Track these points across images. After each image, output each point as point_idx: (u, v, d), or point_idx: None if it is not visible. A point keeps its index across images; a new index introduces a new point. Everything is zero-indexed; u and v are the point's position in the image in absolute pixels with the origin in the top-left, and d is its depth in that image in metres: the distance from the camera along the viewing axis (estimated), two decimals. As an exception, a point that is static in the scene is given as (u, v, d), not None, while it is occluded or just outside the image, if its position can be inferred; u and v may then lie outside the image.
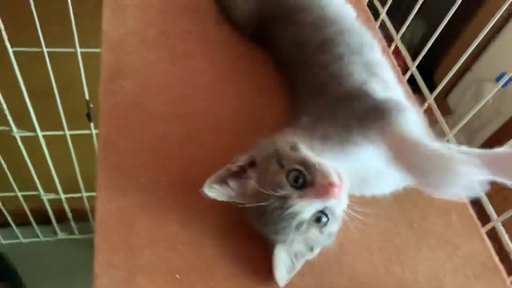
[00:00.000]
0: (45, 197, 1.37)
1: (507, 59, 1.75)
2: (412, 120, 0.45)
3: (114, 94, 0.55)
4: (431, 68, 2.09)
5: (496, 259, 0.51)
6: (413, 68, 0.66)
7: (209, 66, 0.61)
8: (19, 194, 1.37)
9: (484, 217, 0.55)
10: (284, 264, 0.44)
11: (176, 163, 0.51)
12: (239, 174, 0.44)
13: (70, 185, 1.36)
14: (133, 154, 0.51)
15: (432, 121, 0.52)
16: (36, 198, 1.44)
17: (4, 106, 1.05)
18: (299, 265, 0.45)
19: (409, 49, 0.72)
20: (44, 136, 1.15)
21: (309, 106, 0.52)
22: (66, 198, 1.37)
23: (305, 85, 0.55)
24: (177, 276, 0.44)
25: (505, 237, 0.53)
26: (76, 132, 1.16)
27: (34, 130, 1.12)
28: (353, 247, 0.49)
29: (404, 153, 0.42)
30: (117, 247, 0.44)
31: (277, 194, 0.41)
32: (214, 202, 0.44)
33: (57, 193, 1.36)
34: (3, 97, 1.03)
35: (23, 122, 1.14)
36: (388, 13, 0.73)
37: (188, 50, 0.62)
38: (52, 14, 0.95)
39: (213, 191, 0.43)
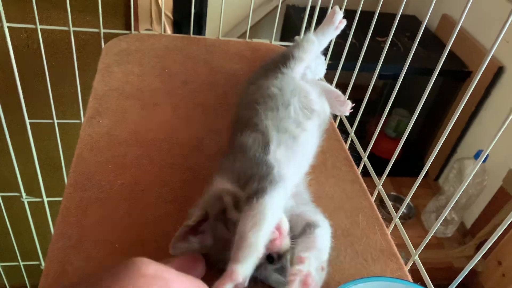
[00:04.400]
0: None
1: (483, 138, 1.90)
2: (267, 209, 0.47)
3: (92, 126, 0.72)
4: (422, 154, 2.24)
5: (395, 248, 0.60)
6: (351, 134, 0.78)
7: (170, 110, 0.78)
8: (21, 264, 1.47)
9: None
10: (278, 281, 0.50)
11: (131, 172, 0.65)
12: (196, 228, 0.50)
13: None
14: (98, 164, 0.65)
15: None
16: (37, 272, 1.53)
17: (18, 174, 1.23)
18: None
19: (397, 137, 0.79)
20: (48, 202, 1.30)
21: (230, 146, 0.62)
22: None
23: (234, 129, 0.63)
24: (116, 245, 0.54)
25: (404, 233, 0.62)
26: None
27: (41, 197, 1.28)
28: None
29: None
30: (72, 224, 0.56)
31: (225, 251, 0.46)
32: (158, 199, 0.58)
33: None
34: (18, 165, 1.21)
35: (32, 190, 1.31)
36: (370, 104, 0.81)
37: (157, 101, 0.80)
38: (65, 95, 1.18)
39: (178, 249, 0.49)
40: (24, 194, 1.28)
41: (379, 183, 0.68)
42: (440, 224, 1.28)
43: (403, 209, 0.63)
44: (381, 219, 0.64)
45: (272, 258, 0.49)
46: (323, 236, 0.52)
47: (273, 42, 1.05)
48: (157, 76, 0.86)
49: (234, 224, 0.47)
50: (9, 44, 0.95)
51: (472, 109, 1.98)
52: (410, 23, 2.23)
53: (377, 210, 0.65)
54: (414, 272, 0.58)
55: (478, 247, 1.88)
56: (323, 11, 0.88)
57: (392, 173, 0.75)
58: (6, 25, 0.93)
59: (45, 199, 1.29)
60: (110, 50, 0.91)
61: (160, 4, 1.04)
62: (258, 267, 0.46)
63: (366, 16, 0.83)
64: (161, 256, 0.54)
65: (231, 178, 0.53)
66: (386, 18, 0.87)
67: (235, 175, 0.53)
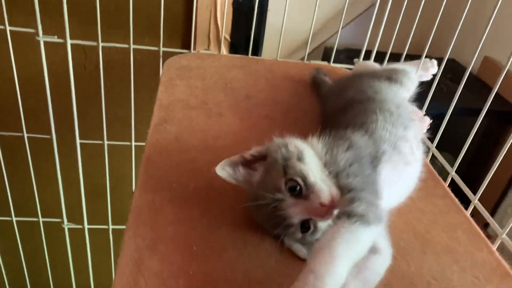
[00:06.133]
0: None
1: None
2: (363, 237, 0.42)
3: (160, 132, 0.68)
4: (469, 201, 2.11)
5: (507, 266, 0.52)
6: (452, 172, 0.71)
7: (238, 121, 0.74)
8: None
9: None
10: (299, 247, 0.48)
11: (202, 177, 0.60)
12: (250, 163, 0.51)
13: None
14: (168, 168, 0.61)
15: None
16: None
17: (62, 198, 1.20)
18: None
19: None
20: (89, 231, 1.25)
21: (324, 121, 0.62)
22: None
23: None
24: (194, 248, 0.49)
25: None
26: (120, 227, 1.25)
27: (82, 223, 1.24)
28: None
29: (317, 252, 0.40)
30: (145, 224, 0.51)
31: (274, 196, 0.46)
32: (234, 204, 0.53)
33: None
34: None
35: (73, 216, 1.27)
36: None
37: (222, 112, 0.76)
38: (116, 118, 1.17)
39: (224, 172, 0.50)
40: (65, 220, 1.24)
41: (475, 198, 0.61)
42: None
43: (510, 225, 0.55)
44: (483, 235, 0.56)
45: (307, 228, 0.46)
46: (378, 265, 0.45)
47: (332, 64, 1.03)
48: (220, 90, 0.83)
49: (290, 177, 0.46)
50: (70, 62, 0.95)
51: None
52: (450, 65, 2.21)
53: (476, 225, 0.58)
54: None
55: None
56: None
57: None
58: (69, 42, 0.94)
59: (86, 226, 1.25)
60: (172, 66, 0.90)
61: (219, 25, 1.05)
62: (285, 229, 0.46)
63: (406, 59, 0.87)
64: (241, 262, 0.48)
65: (320, 154, 0.50)
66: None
67: (328, 158, 0.49)
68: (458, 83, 0.65)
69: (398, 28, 0.91)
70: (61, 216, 1.24)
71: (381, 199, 0.47)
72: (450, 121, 0.73)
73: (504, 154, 0.51)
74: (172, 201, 0.55)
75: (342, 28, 1.02)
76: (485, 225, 0.61)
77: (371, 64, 0.92)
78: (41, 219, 1.25)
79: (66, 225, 1.24)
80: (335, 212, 0.44)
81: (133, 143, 1.12)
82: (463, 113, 1.94)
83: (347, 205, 0.43)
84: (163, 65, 0.91)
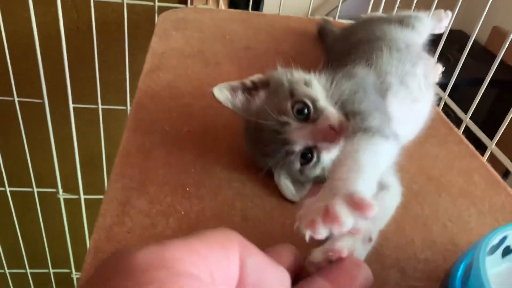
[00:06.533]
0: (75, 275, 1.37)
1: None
2: (384, 147, 0.39)
3: (152, 79, 0.64)
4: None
5: (529, 211, 0.47)
6: (445, 96, 0.69)
7: (236, 70, 0.70)
8: (51, 271, 1.37)
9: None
10: (288, 186, 0.45)
11: (198, 121, 0.56)
12: (251, 91, 0.47)
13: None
14: (160, 112, 0.56)
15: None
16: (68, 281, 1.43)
17: (56, 167, 1.16)
18: (307, 186, 0.44)
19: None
20: (85, 201, 1.22)
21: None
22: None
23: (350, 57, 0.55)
24: (187, 189, 0.44)
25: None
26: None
27: (78, 194, 1.20)
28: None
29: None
30: (133, 166, 0.47)
31: (279, 118, 0.42)
32: (230, 148, 0.49)
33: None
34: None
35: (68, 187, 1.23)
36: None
37: (219, 61, 0.72)
38: (111, 82, 1.12)
39: (221, 94, 0.46)
40: (61, 190, 1.20)
41: (492, 143, 0.56)
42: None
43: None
44: (501, 179, 0.52)
45: (308, 159, 0.42)
46: (387, 201, 0.42)
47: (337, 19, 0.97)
48: (217, 41, 0.78)
49: (287, 110, 0.42)
50: (61, 19, 0.90)
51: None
52: (458, 37, 2.14)
53: (494, 170, 0.53)
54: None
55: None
56: None
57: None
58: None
59: (82, 196, 1.21)
60: (167, 18, 0.85)
61: (217, -20, 0.99)
62: (283, 157, 0.42)
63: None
64: (239, 200, 0.44)
65: (324, 86, 0.45)
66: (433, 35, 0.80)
67: (332, 90, 0.44)
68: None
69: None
70: (56, 186, 1.20)
71: (392, 123, 0.43)
72: (460, 92, 0.69)
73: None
74: (163, 144, 0.51)
75: (343, 2, 0.97)
76: (504, 175, 0.57)
77: (379, 14, 0.87)
78: (35, 189, 1.21)
79: (62, 195, 1.20)
80: (342, 140, 0.40)
81: (128, 107, 1.07)
82: (473, 83, 1.88)
83: (360, 123, 0.40)
84: (159, 17, 0.86)
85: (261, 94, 0.47)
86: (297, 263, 0.27)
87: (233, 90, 0.47)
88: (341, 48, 0.65)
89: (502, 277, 0.38)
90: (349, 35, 0.68)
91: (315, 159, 0.42)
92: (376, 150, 0.37)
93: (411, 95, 0.51)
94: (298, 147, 0.42)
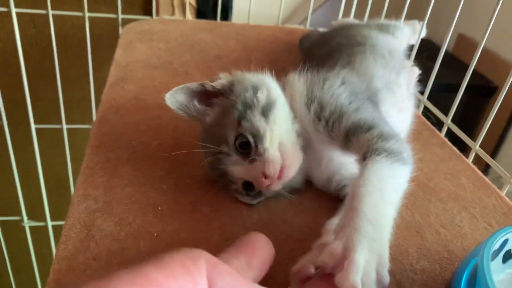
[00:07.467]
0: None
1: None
2: (407, 177, 0.37)
3: (116, 91, 0.59)
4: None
5: (521, 211, 0.45)
6: (424, 99, 0.67)
7: (206, 79, 0.66)
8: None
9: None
10: (244, 198, 0.42)
11: (168, 134, 0.52)
12: (210, 96, 0.43)
13: None
14: (126, 126, 0.52)
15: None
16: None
17: (20, 194, 1.08)
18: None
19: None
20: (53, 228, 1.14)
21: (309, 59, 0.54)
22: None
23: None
24: (159, 208, 0.40)
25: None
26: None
27: (44, 221, 1.12)
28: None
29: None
30: (97, 185, 0.42)
31: (221, 147, 0.39)
32: (202, 161, 0.44)
33: None
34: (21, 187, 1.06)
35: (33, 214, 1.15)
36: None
37: (188, 71, 0.68)
38: (74, 100, 1.06)
39: (175, 102, 0.42)
40: (25, 218, 1.12)
41: (476, 145, 0.54)
42: None
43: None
44: (489, 181, 0.50)
45: (250, 190, 0.40)
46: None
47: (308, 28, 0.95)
48: (186, 52, 0.75)
49: (250, 125, 0.39)
50: (17, 35, 0.85)
51: (504, 125, 1.86)
52: (426, 45, 2.19)
53: (480, 172, 0.51)
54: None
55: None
56: None
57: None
58: (14, 10, 0.83)
59: (50, 223, 1.13)
60: (132, 30, 0.81)
61: (183, -10, 0.96)
62: (228, 183, 0.41)
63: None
64: (217, 217, 0.40)
65: (301, 90, 0.43)
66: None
67: (315, 92, 0.42)
68: (434, 61, 0.65)
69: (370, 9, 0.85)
70: (20, 214, 1.12)
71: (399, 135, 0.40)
72: (431, 97, 0.69)
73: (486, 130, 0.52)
74: (130, 160, 0.46)
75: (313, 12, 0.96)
76: (483, 171, 0.55)
77: (351, 20, 0.85)
78: (-3, 218, 1.13)
79: (27, 223, 1.12)
80: (278, 187, 0.39)
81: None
82: (441, 89, 1.91)
83: (379, 142, 0.37)
84: (123, 29, 0.82)
85: (216, 108, 0.43)
86: (271, 255, 0.30)
87: (189, 95, 0.43)
88: (321, 51, 0.63)
89: (504, 284, 0.36)
90: (328, 40, 0.66)
91: (256, 191, 0.40)
92: (400, 182, 0.36)
93: (396, 104, 0.49)
94: (239, 180, 0.40)
